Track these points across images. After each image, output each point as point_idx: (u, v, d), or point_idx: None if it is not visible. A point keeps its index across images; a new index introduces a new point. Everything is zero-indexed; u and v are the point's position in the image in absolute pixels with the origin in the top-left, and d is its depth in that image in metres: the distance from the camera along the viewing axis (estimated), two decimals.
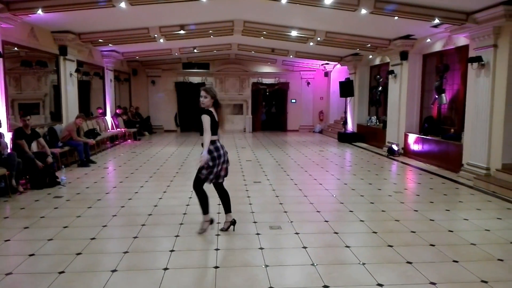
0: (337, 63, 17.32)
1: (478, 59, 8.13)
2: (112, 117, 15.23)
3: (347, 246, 4.68)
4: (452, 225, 5.52)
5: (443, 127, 10.60)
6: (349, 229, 5.40)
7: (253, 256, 4.39)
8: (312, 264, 4.17)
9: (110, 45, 13.07)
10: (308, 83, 19.89)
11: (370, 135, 14.72)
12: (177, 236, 4.98)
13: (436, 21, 8.31)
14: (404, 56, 11.58)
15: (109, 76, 15.14)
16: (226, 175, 5.08)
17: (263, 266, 4.13)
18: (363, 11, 8.15)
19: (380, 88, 14.24)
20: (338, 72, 18.63)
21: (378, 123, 14.56)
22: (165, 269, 4.05)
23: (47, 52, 10.27)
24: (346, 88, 15.86)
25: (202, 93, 4.83)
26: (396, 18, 8.57)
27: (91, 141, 10.86)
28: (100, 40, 12.01)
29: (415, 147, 11.21)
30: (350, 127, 16.33)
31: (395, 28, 10.39)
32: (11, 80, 9.41)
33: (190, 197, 6.86)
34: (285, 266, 4.19)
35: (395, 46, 11.64)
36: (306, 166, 10.05)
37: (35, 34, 9.47)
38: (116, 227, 5.40)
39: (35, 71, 10.58)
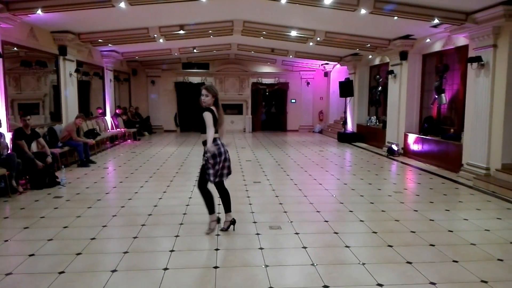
0: (336, 63, 17.33)
1: (478, 59, 8.13)
2: (111, 117, 15.23)
3: (347, 246, 4.68)
4: (452, 225, 5.53)
5: (442, 127, 10.61)
6: (349, 229, 5.40)
7: (253, 256, 4.39)
8: (312, 264, 4.18)
9: (109, 45, 13.07)
10: (308, 83, 19.90)
11: (369, 135, 14.72)
12: (177, 236, 4.98)
13: (436, 21, 8.32)
14: (403, 56, 11.58)
15: (108, 76, 15.13)
16: (229, 173, 5.08)
17: (263, 266, 4.13)
18: (363, 11, 8.15)
19: (379, 88, 14.24)
20: (337, 72, 18.64)
21: (377, 123, 14.57)
22: (165, 269, 4.05)
23: (47, 52, 10.27)
24: (346, 88, 15.86)
25: (204, 91, 4.84)
26: (395, 18, 8.58)
27: (91, 141, 10.86)
28: (99, 40, 12.01)
29: (415, 147, 11.22)
30: (349, 127, 16.33)
31: (394, 28, 10.39)
32: (10, 80, 9.41)
33: (190, 197, 6.86)
34: (285, 266, 4.19)
35: (394, 46, 11.64)
36: (306, 166, 10.05)
37: (34, 34, 9.47)
38: (116, 227, 5.40)
39: (35, 71, 10.57)
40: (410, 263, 4.21)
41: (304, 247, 4.64)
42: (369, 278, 3.87)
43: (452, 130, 10.20)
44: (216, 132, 4.78)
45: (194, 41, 13.86)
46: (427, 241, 4.86)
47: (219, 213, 5.43)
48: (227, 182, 5.18)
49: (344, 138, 15.69)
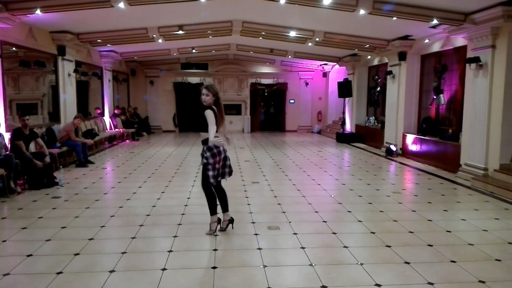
0: (335, 63, 17.34)
1: (476, 59, 8.15)
2: (110, 117, 15.22)
3: (345, 247, 4.68)
4: (450, 225, 5.54)
5: (441, 128, 10.62)
6: (347, 229, 5.41)
7: (251, 257, 4.39)
8: (311, 265, 4.18)
9: (108, 45, 13.06)
10: (307, 84, 19.91)
11: (368, 136, 14.74)
12: (175, 236, 4.98)
13: (434, 21, 8.33)
14: (402, 56, 11.60)
15: (107, 76, 15.12)
16: (231, 172, 5.07)
17: (261, 266, 4.13)
18: (362, 12, 8.16)
19: (378, 89, 14.25)
20: (336, 72, 18.66)
21: (376, 123, 14.58)
22: (163, 269, 4.04)
23: (46, 52, 10.25)
24: (345, 89, 15.87)
25: (204, 91, 4.82)
26: (394, 18, 8.59)
27: (89, 142, 10.85)
28: (98, 40, 12.00)
29: (413, 147, 11.23)
30: (348, 127, 16.34)
31: (393, 29, 10.41)
32: (9, 80, 9.40)
33: (189, 198, 6.86)
34: (283, 267, 4.20)
35: (393, 47, 11.66)
36: (304, 167, 10.06)
37: (33, 34, 9.46)
38: (114, 228, 5.39)
39: (33, 71, 10.57)
40: (408, 263, 4.21)
41: (303, 248, 4.64)
42: (367, 278, 3.87)
43: (450, 130, 10.21)
44: (216, 131, 4.78)
45: (193, 41, 13.86)
46: (425, 241, 4.87)
47: (217, 213, 5.42)
48: (225, 183, 5.18)
49: (343, 138, 15.70)
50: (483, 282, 3.80)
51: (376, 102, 14.57)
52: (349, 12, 8.35)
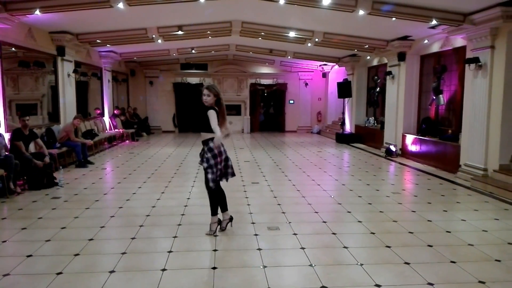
0: (335, 64, 17.35)
1: (476, 60, 8.16)
2: (110, 117, 15.21)
3: (345, 247, 4.68)
4: (450, 225, 5.54)
5: (440, 128, 10.63)
6: (347, 229, 5.41)
7: (251, 257, 4.39)
8: (310, 265, 4.18)
9: (108, 45, 13.05)
10: (306, 84, 19.92)
11: (368, 136, 14.74)
12: (175, 237, 4.98)
13: (434, 22, 8.33)
14: (401, 57, 11.61)
15: (107, 76, 15.11)
16: (233, 173, 5.08)
17: (261, 267, 4.13)
18: (361, 12, 8.16)
19: (378, 89, 14.26)
20: (336, 73, 18.67)
21: (376, 124, 14.59)
22: (163, 270, 4.04)
23: (45, 53, 10.25)
24: (344, 89, 15.88)
25: (205, 91, 4.81)
26: (393, 19, 8.60)
27: (89, 142, 10.85)
28: (98, 41, 11.99)
29: (413, 148, 11.24)
30: (348, 128, 16.35)
31: (392, 29, 10.42)
32: (8, 80, 9.39)
33: (188, 198, 6.87)
34: (283, 267, 4.20)
35: (392, 47, 11.66)
36: (304, 167, 10.06)
37: (32, 34, 9.45)
38: (114, 228, 5.39)
39: (33, 72, 10.56)
40: (408, 263, 4.22)
41: (302, 248, 4.64)
42: (367, 278, 3.87)
43: (450, 131, 10.22)
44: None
45: (193, 42, 13.86)
46: (425, 241, 4.87)
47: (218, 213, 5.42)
48: (225, 183, 5.17)
49: (342, 139, 15.71)
50: (483, 282, 3.80)
51: (375, 102, 14.58)
52: (349, 12, 8.36)
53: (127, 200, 6.76)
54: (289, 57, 16.17)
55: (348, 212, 6.14)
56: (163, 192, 7.30)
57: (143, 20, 10.56)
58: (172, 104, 19.44)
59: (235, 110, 19.66)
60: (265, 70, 19.76)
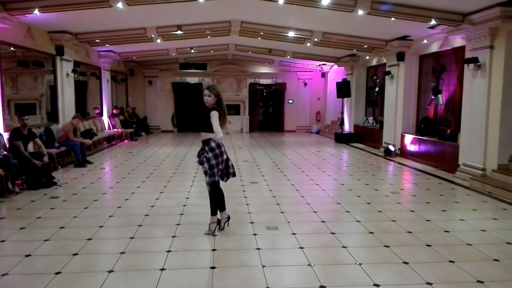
0: (334, 63, 17.36)
1: (474, 60, 8.16)
2: (108, 117, 15.20)
3: (343, 247, 4.69)
4: (448, 225, 5.55)
5: (439, 128, 10.64)
6: (345, 229, 5.41)
7: (250, 257, 4.39)
8: (309, 265, 4.18)
9: (107, 45, 13.04)
10: (305, 84, 19.92)
11: (367, 136, 14.75)
12: (174, 236, 4.98)
13: (433, 22, 8.34)
14: (400, 57, 11.62)
15: (106, 76, 15.10)
16: (234, 173, 5.09)
17: (260, 266, 4.14)
18: (360, 12, 8.16)
19: (377, 89, 14.26)
20: (335, 72, 18.67)
21: (375, 123, 14.60)
22: (162, 269, 4.04)
23: (44, 52, 10.24)
24: (343, 89, 15.89)
25: (206, 91, 4.80)
26: (392, 19, 8.60)
27: (88, 141, 10.83)
28: (97, 40, 11.98)
29: (412, 147, 11.25)
30: (347, 127, 16.36)
31: (391, 29, 10.42)
32: (7, 80, 9.38)
33: (187, 198, 6.86)
34: (282, 267, 4.20)
35: (391, 47, 11.67)
36: (303, 167, 10.06)
37: (31, 34, 9.44)
38: (112, 228, 5.39)
39: (32, 71, 10.55)
40: (406, 263, 4.22)
41: (301, 248, 4.64)
42: (366, 278, 3.88)
43: (448, 130, 10.23)
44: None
45: (192, 42, 13.85)
46: (424, 241, 4.88)
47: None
48: (224, 182, 5.17)
49: (341, 138, 15.71)
50: (482, 282, 3.81)
51: (374, 102, 14.59)
52: (348, 12, 8.36)
53: (126, 199, 6.76)
54: (288, 57, 16.17)
55: (347, 211, 6.15)
56: (162, 192, 7.30)
57: (142, 19, 10.54)
58: (171, 103, 19.43)
59: (234, 109, 19.64)
60: (264, 69, 19.76)
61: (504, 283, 3.85)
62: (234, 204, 6.25)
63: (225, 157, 4.88)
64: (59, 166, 8.56)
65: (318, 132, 19.48)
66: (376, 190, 7.68)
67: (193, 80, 19.28)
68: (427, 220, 5.72)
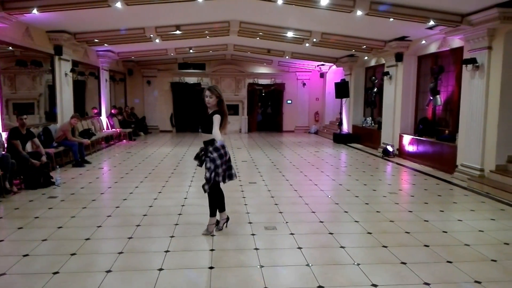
0: (332, 64, 17.37)
1: (473, 61, 8.18)
2: (107, 117, 15.18)
3: (342, 247, 4.69)
4: (446, 226, 5.56)
5: (437, 128, 10.66)
6: (344, 229, 5.42)
7: (248, 257, 4.39)
8: (307, 265, 4.18)
9: (105, 45, 13.03)
10: (304, 84, 19.93)
11: (365, 136, 14.76)
12: (172, 236, 4.98)
13: (431, 23, 8.36)
14: (399, 57, 11.63)
15: (104, 76, 15.08)
16: (235, 173, 5.07)
17: (258, 266, 4.14)
18: (359, 13, 8.17)
19: (375, 90, 14.28)
20: (333, 73, 18.68)
21: (373, 124, 14.61)
22: (160, 269, 4.04)
23: (42, 52, 10.23)
24: (342, 89, 15.90)
25: (207, 92, 4.78)
26: (391, 19, 8.62)
27: (86, 141, 10.81)
28: (95, 40, 11.98)
29: (410, 148, 11.26)
30: (345, 128, 16.37)
31: (390, 30, 10.44)
32: (5, 79, 9.38)
33: (186, 198, 6.86)
34: (280, 267, 4.20)
35: (390, 48, 11.69)
36: (301, 167, 10.07)
37: (30, 33, 9.43)
38: (111, 228, 5.38)
39: (30, 71, 10.53)
40: (404, 263, 4.23)
41: (299, 248, 4.64)
42: (364, 278, 3.88)
43: (447, 131, 10.25)
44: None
45: (191, 42, 13.85)
46: (422, 241, 4.88)
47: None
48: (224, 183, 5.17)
49: (340, 139, 15.72)
50: (479, 282, 3.82)
51: (373, 102, 14.61)
52: (346, 13, 8.37)
53: (124, 199, 6.75)
54: (287, 57, 16.18)
55: (345, 212, 6.15)
56: (160, 192, 7.30)
57: (141, 19, 10.54)
58: (170, 103, 19.41)
59: (232, 110, 19.63)
60: (263, 70, 19.76)
61: (502, 283, 3.85)
62: (233, 204, 6.25)
63: (228, 157, 4.86)
64: (57, 166, 8.54)
65: (316, 133, 19.50)
66: (374, 190, 7.68)
67: (191, 80, 19.27)
68: (425, 221, 5.73)
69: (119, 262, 4.21)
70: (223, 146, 4.76)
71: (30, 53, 9.88)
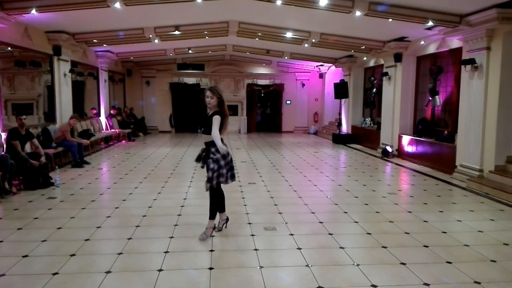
0: (331, 64, 17.37)
1: (472, 61, 8.19)
2: (106, 117, 15.17)
3: (341, 247, 4.69)
4: (446, 226, 5.56)
5: (436, 129, 10.67)
6: (343, 230, 5.42)
7: (248, 257, 4.39)
8: (307, 265, 4.19)
9: (104, 45, 13.02)
10: (303, 85, 19.94)
11: (364, 137, 14.77)
12: (171, 237, 4.97)
13: (430, 23, 8.37)
14: (398, 58, 11.65)
15: (103, 76, 15.07)
16: (235, 174, 5.06)
17: (258, 267, 4.14)
18: (358, 13, 8.18)
19: (374, 90, 14.30)
20: (332, 73, 18.69)
21: (372, 124, 14.62)
22: (160, 270, 4.04)
23: (41, 52, 10.21)
24: (341, 90, 15.91)
25: (208, 93, 4.77)
26: (390, 20, 8.63)
27: (85, 142, 10.80)
28: (94, 40, 11.96)
29: (409, 148, 11.27)
30: (344, 128, 16.38)
31: (389, 30, 10.45)
32: (4, 80, 9.36)
33: (185, 198, 6.86)
34: (280, 267, 4.20)
35: (389, 48, 11.70)
36: (300, 168, 10.07)
37: (29, 34, 9.42)
38: (110, 228, 5.38)
39: (29, 71, 10.52)
40: (404, 264, 4.23)
41: (299, 248, 4.64)
42: (363, 279, 3.89)
43: (446, 131, 10.26)
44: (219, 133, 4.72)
45: (190, 42, 13.84)
46: (421, 242, 4.89)
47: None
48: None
49: (339, 139, 15.73)
50: (479, 283, 3.82)
51: (372, 103, 14.62)
52: (345, 13, 8.38)
53: (124, 200, 6.74)
54: (286, 57, 16.18)
55: (345, 212, 6.16)
56: (159, 193, 7.29)
57: (140, 20, 10.54)
58: (169, 104, 19.40)
59: (231, 110, 19.59)
60: (262, 70, 19.76)
61: (501, 284, 3.86)
62: (232, 205, 6.24)
63: (229, 158, 4.84)
64: (57, 167, 8.52)
65: (315, 133, 19.50)
66: (374, 191, 7.69)
67: (190, 80, 19.26)
68: (424, 221, 5.73)
69: (119, 263, 4.21)
70: (225, 146, 4.70)
71: (29, 54, 9.86)
